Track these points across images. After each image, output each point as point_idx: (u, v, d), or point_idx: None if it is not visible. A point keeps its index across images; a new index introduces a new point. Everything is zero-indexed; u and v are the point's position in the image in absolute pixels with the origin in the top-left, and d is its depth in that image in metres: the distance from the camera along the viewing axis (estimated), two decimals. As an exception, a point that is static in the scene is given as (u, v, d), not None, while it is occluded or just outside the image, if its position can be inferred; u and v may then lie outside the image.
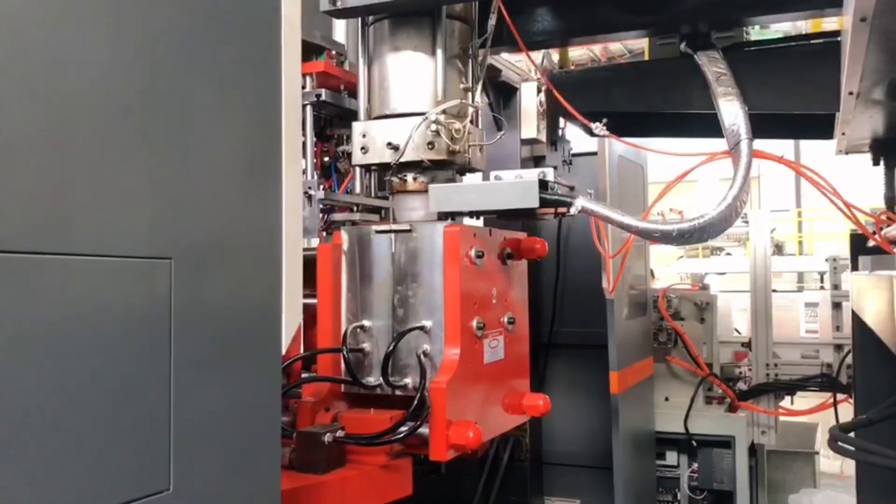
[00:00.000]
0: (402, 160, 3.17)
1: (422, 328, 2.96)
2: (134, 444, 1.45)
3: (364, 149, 3.25)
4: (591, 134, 3.79)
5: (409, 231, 3.01)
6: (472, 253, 2.94)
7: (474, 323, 2.94)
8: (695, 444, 5.55)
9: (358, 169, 3.48)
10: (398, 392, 2.97)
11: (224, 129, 1.70)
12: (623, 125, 3.77)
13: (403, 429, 2.78)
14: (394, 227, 3.07)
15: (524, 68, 5.29)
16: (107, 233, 1.41)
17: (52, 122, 1.32)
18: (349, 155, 3.42)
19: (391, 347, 2.91)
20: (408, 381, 2.95)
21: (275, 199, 1.85)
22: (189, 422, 1.56)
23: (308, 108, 3.33)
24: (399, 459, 2.93)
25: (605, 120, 3.59)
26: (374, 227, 3.12)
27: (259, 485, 1.77)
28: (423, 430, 2.81)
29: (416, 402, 2.80)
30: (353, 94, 3.45)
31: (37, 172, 1.28)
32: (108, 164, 1.41)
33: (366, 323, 3.08)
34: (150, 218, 1.50)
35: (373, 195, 3.51)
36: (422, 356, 2.91)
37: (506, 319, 3.19)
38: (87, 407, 1.36)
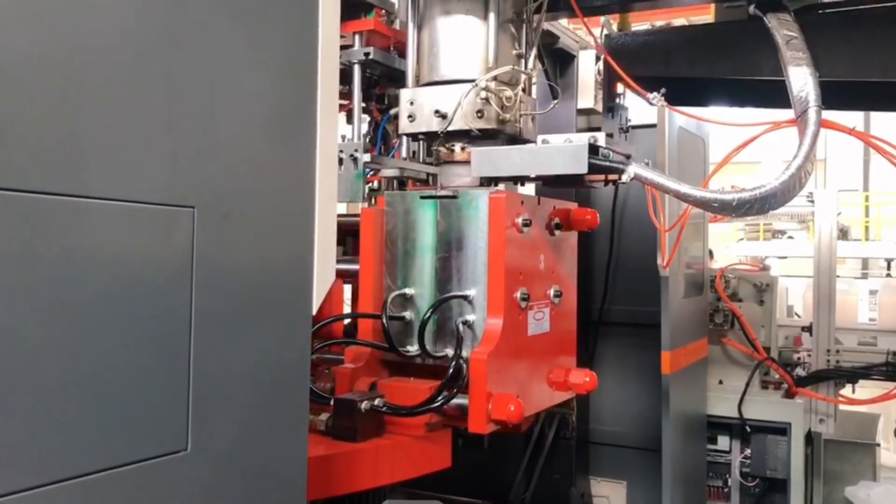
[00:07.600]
0: (449, 129, 3.08)
1: (464, 297, 2.86)
2: (149, 400, 1.38)
3: (411, 117, 3.16)
4: (649, 103, 3.62)
5: (455, 197, 2.90)
6: (519, 221, 2.83)
7: (518, 294, 2.84)
8: (748, 429, 5.37)
9: (405, 137, 3.38)
10: (434, 361, 2.89)
11: (253, 72, 1.60)
12: (684, 93, 3.60)
13: (440, 399, 2.70)
14: (439, 192, 2.97)
15: (583, 36, 5.10)
16: (123, 176, 1.33)
17: (65, 54, 1.23)
18: (398, 116, 3.32)
19: (427, 315, 2.85)
20: (449, 350, 2.86)
21: (308, 150, 1.76)
22: (210, 379, 1.49)
23: (356, 68, 3.22)
24: (438, 431, 2.86)
25: (663, 90, 3.42)
26: (420, 193, 3.03)
27: (284, 448, 1.70)
28: (463, 401, 2.72)
29: (450, 372, 2.73)
30: (403, 53, 3.34)
31: (45, 104, 1.20)
32: (125, 103, 1.33)
33: (408, 291, 3.00)
34: (172, 163, 1.42)
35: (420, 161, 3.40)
36: (460, 325, 2.83)
37: (552, 292, 3.09)
38: (97, 361, 1.29)
